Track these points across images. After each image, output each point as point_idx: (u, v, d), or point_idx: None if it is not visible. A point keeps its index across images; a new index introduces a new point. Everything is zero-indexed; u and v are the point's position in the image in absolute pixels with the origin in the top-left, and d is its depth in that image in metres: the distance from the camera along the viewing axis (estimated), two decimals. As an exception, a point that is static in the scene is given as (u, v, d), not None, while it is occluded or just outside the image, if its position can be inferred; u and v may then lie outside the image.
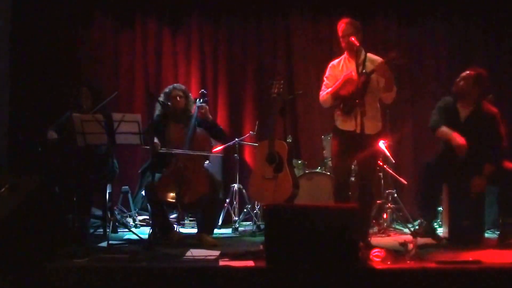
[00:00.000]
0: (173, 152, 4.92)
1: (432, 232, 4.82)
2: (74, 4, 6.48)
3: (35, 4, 6.38)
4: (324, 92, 4.65)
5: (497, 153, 4.72)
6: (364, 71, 4.41)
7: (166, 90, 5.26)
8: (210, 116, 5.26)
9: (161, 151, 4.90)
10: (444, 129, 4.73)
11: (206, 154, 5.08)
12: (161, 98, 5.18)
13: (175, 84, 5.33)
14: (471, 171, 4.67)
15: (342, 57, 4.72)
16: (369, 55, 4.55)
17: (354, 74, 4.41)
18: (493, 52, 6.52)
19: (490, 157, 4.69)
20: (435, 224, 5.26)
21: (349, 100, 4.44)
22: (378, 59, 4.62)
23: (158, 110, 5.24)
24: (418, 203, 5.02)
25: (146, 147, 4.85)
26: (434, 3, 6.54)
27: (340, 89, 4.50)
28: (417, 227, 4.96)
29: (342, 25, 4.59)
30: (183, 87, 5.30)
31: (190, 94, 5.32)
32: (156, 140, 4.97)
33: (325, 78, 4.76)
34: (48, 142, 5.02)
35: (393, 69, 4.45)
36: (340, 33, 4.59)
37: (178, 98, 5.16)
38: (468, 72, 4.78)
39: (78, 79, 5.93)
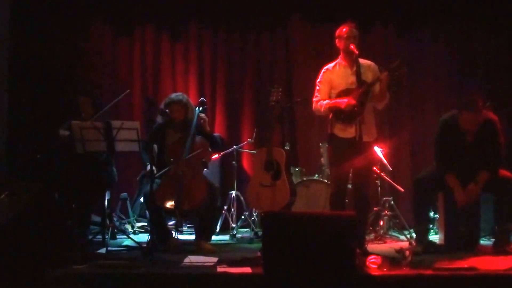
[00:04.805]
0: (169, 167, 4.94)
1: (430, 246, 4.84)
2: (72, 12, 6.49)
3: (33, 12, 6.39)
4: (323, 102, 4.62)
5: (495, 161, 4.74)
6: (364, 80, 4.45)
7: (167, 100, 5.21)
8: (208, 128, 5.29)
9: (156, 176, 4.90)
10: (451, 179, 4.70)
11: (199, 152, 5.02)
12: (161, 106, 5.19)
13: (174, 97, 5.23)
14: (468, 179, 4.69)
15: (337, 61, 4.72)
16: (361, 60, 4.55)
17: (353, 91, 4.46)
18: (491, 61, 6.55)
19: (487, 165, 4.71)
20: (430, 234, 5.29)
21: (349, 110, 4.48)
22: (371, 63, 4.66)
23: (158, 118, 5.26)
24: (414, 220, 5.07)
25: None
26: (432, 12, 6.57)
27: (340, 107, 4.51)
28: (413, 242, 5.00)
29: (346, 28, 4.57)
30: (183, 99, 5.22)
31: (191, 104, 5.26)
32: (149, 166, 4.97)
33: (318, 83, 4.73)
34: (61, 139, 5.04)
35: (395, 78, 4.49)
36: (344, 35, 4.55)
37: (176, 111, 5.13)
38: (461, 105, 4.67)
39: (78, 88, 5.95)
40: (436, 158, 4.85)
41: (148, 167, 4.94)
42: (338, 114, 4.56)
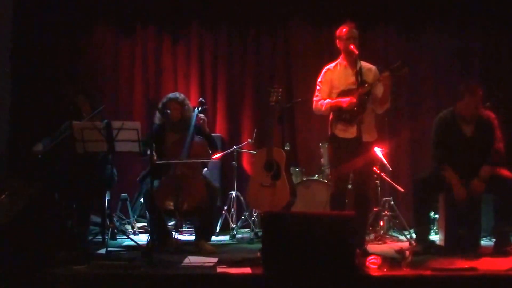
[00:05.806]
0: (171, 162, 4.94)
1: (430, 246, 4.84)
2: (74, 13, 6.50)
3: (35, 12, 6.41)
4: (324, 102, 4.62)
5: (495, 156, 4.74)
6: (364, 81, 4.45)
7: (164, 100, 5.24)
8: (207, 129, 5.29)
9: (157, 162, 4.91)
10: (449, 173, 4.71)
11: (201, 160, 5.08)
12: (159, 107, 5.19)
13: (171, 95, 5.26)
14: (470, 176, 4.69)
15: (338, 61, 4.72)
16: (363, 63, 4.56)
17: (354, 91, 4.45)
18: (491, 61, 6.56)
19: (487, 160, 4.72)
20: (431, 234, 5.28)
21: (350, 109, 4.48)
22: (372, 67, 4.66)
23: (157, 119, 5.26)
24: (414, 220, 5.08)
25: (143, 157, 4.88)
26: (432, 12, 6.58)
27: (342, 106, 4.51)
28: (413, 242, 5.01)
29: (346, 28, 4.57)
30: (180, 97, 5.24)
31: (187, 103, 5.28)
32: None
33: (319, 83, 4.73)
34: (33, 153, 5.02)
35: (396, 79, 4.49)
36: (344, 36, 4.56)
37: (173, 110, 5.15)
38: (462, 90, 4.75)
39: (75, 88, 5.96)
40: (433, 156, 4.86)
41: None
42: (339, 114, 4.56)
